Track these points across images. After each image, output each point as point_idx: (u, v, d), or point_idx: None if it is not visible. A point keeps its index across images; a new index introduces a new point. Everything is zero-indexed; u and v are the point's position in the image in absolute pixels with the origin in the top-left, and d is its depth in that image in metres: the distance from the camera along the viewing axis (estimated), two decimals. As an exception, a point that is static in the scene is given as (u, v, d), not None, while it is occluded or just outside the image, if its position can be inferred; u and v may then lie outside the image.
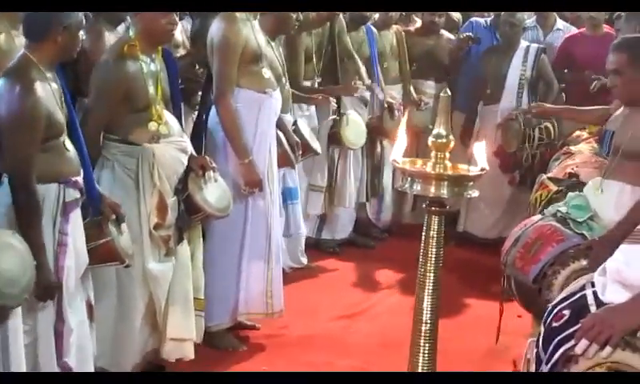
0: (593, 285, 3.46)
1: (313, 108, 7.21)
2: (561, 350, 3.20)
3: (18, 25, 4.71)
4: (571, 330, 3.15)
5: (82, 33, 4.25)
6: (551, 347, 3.25)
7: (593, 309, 3.24)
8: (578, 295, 3.46)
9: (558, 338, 3.22)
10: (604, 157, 4.88)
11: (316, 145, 6.68)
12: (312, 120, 7.09)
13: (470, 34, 8.21)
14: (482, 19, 8.49)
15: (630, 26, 5.72)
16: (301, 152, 6.41)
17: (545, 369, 3.34)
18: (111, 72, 4.78)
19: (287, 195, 6.67)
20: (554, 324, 3.33)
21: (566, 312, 3.34)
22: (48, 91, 4.11)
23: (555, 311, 3.42)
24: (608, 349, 2.83)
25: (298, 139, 6.28)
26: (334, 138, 7.18)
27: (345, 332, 6.11)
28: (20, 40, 4.61)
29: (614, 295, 3.25)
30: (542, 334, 3.53)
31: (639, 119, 4.46)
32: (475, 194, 4.42)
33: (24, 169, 4.04)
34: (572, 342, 3.08)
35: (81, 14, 4.22)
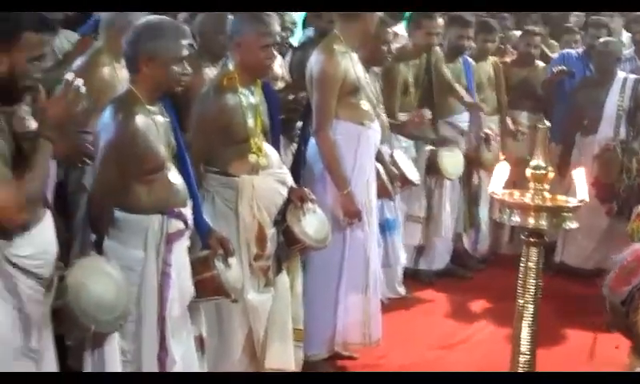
0: None
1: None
2: None
3: (120, 58, 4.74)
4: None
5: (181, 67, 4.22)
6: None
7: None
8: None
9: None
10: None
11: (414, 176, 6.64)
12: (409, 150, 7.02)
13: (563, 66, 8.10)
14: (574, 51, 8.41)
15: None
16: (400, 184, 6.41)
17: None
18: (210, 105, 4.84)
19: (386, 226, 6.65)
20: None
21: None
22: (149, 125, 4.14)
23: None
24: None
25: (396, 171, 6.26)
26: (432, 169, 7.11)
27: (442, 362, 6.06)
28: (123, 72, 4.72)
29: None
30: None
31: None
32: (574, 225, 4.45)
33: (100, 192, 4.16)
34: None
35: (173, 47, 4.22)
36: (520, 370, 4.45)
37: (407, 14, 7.34)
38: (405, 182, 6.56)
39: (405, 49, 6.94)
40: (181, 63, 4.19)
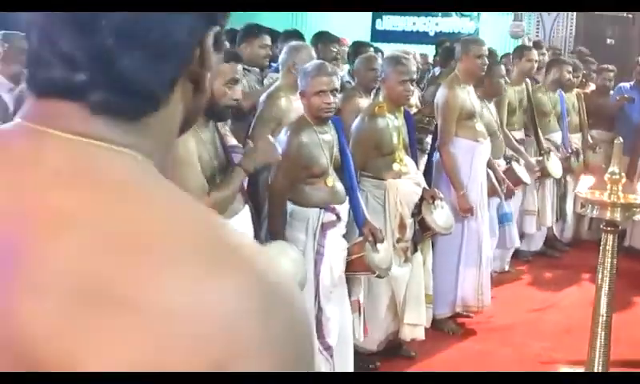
0: None
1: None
2: None
3: (295, 91, 4.83)
4: None
5: (326, 98, 4.16)
6: None
7: None
8: None
9: None
10: None
11: (526, 178, 6.64)
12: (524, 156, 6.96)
13: (625, 95, 8.02)
14: (627, 83, 8.27)
15: None
16: (513, 185, 6.44)
17: None
18: (366, 127, 4.88)
19: (504, 218, 6.63)
20: None
21: None
22: (314, 141, 4.16)
23: None
24: None
25: (503, 176, 6.25)
26: (543, 172, 7.06)
27: (538, 320, 6.06)
28: (298, 103, 4.75)
29: None
30: None
31: None
32: None
33: (278, 195, 4.17)
34: None
35: (318, 84, 4.17)
36: (599, 329, 4.47)
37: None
38: (519, 182, 6.57)
39: (510, 75, 6.88)
40: (326, 95, 4.12)
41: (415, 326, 5.09)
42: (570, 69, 7.42)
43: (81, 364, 0.74)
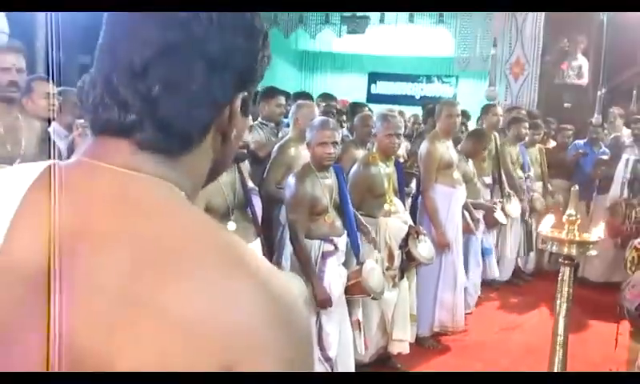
0: None
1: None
2: None
3: (302, 141, 4.84)
4: None
5: (327, 149, 4.15)
6: None
7: None
8: None
9: None
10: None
11: (502, 219, 6.65)
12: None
13: (580, 150, 8.05)
14: (582, 141, 8.32)
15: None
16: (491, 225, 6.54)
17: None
18: (361, 173, 4.87)
19: (485, 252, 6.63)
20: None
21: None
22: (316, 185, 4.14)
23: None
24: None
25: (478, 216, 6.22)
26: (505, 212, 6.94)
27: (505, 339, 6.01)
28: (305, 152, 4.80)
29: None
30: None
31: None
32: (594, 253, 4.52)
33: (294, 229, 4.14)
34: None
35: (320, 137, 4.14)
36: (557, 348, 4.45)
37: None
38: (496, 223, 6.64)
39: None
40: (328, 146, 4.12)
41: (401, 341, 5.04)
42: (527, 125, 7.39)
43: (114, 356, 0.76)
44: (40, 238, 0.80)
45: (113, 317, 0.76)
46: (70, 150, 4.19)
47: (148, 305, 0.76)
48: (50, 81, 4.19)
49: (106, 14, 0.91)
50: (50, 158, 0.91)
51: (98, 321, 0.77)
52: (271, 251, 4.32)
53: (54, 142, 4.75)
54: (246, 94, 0.92)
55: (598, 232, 4.68)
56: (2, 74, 3.42)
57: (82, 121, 4.01)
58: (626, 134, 8.05)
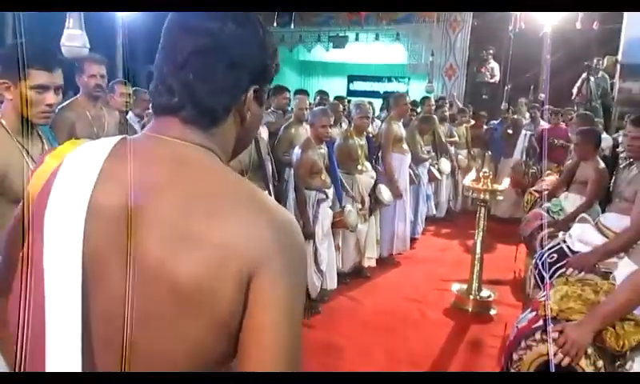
0: (564, 242, 3.27)
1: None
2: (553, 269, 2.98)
3: (300, 124, 4.81)
4: (560, 263, 2.95)
5: (325, 131, 4.16)
6: (549, 271, 3.00)
7: (570, 254, 3.00)
8: (558, 246, 3.23)
9: (554, 266, 3.00)
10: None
11: (438, 175, 6.67)
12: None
13: (493, 127, 8.03)
14: (496, 121, 8.22)
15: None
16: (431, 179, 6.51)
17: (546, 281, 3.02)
18: (342, 144, 4.84)
19: (427, 197, 6.62)
20: (549, 260, 3.10)
21: (555, 255, 3.13)
22: (315, 153, 4.12)
23: (547, 253, 3.20)
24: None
25: (419, 173, 6.22)
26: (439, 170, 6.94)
27: (441, 257, 5.92)
28: (302, 130, 4.72)
29: (580, 247, 3.09)
30: (539, 266, 3.39)
31: (584, 166, 4.31)
32: (501, 198, 4.58)
33: (298, 183, 4.13)
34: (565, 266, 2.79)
35: (322, 120, 4.13)
36: (476, 262, 4.49)
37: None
38: (434, 178, 6.60)
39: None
40: (326, 128, 4.12)
41: (370, 258, 5.12)
42: (446, 109, 7.45)
43: (173, 270, 0.76)
44: (118, 190, 0.81)
45: (173, 241, 0.77)
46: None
47: (197, 232, 0.77)
48: (126, 83, 4.17)
49: (164, 27, 0.90)
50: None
51: (162, 244, 0.77)
52: (278, 200, 4.29)
53: (130, 125, 4.75)
54: (257, 87, 0.90)
55: (504, 183, 4.73)
56: (90, 79, 3.37)
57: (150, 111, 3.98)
58: (526, 117, 8.02)
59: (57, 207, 0.81)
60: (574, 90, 8.29)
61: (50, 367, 0.78)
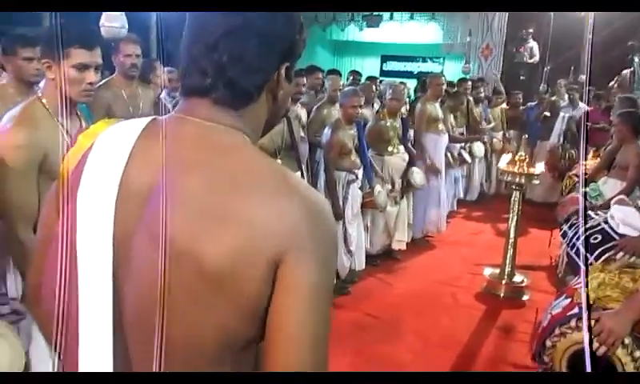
0: (606, 222, 3.18)
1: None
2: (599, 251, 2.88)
3: (332, 104, 4.74)
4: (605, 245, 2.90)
5: (356, 111, 4.12)
6: (593, 253, 2.89)
7: (616, 236, 2.94)
8: (599, 227, 3.12)
9: (600, 248, 2.91)
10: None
11: (469, 158, 6.49)
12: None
13: (530, 108, 7.81)
14: (533, 103, 7.94)
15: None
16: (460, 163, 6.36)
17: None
18: (374, 125, 4.81)
19: (456, 180, 6.48)
20: (592, 241, 3.01)
21: (599, 236, 3.03)
22: (345, 133, 4.10)
23: (589, 234, 3.08)
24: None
25: (456, 156, 6.14)
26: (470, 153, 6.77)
27: (473, 240, 5.88)
28: (334, 111, 4.64)
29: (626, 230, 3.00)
30: (577, 246, 3.31)
31: (624, 150, 4.17)
32: (537, 182, 4.56)
33: (328, 164, 4.10)
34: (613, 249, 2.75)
35: (351, 101, 4.08)
36: (509, 247, 4.43)
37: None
38: (464, 162, 6.46)
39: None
40: (356, 109, 4.09)
41: (400, 241, 5.07)
42: (482, 91, 7.25)
43: (201, 251, 0.75)
44: (149, 171, 0.81)
45: (202, 221, 0.76)
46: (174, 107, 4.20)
47: (226, 213, 0.76)
48: (162, 63, 4.20)
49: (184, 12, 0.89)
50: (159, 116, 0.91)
51: (191, 225, 0.77)
52: (310, 180, 4.29)
53: (164, 105, 4.80)
54: (287, 64, 0.88)
55: (540, 167, 4.63)
56: (126, 58, 3.41)
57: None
58: (565, 99, 7.79)
59: (89, 187, 0.82)
60: (613, 82, 8.00)
61: (83, 348, 0.79)
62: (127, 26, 4.06)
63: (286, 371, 0.75)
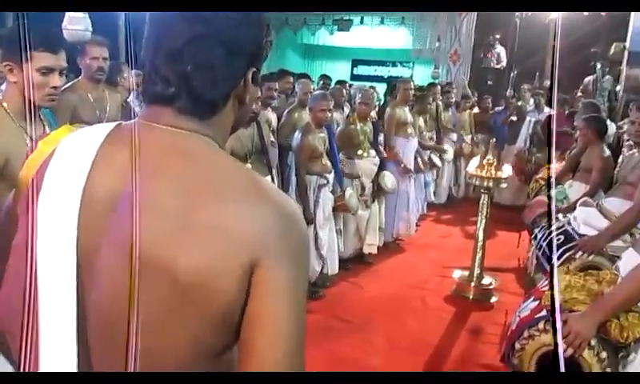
0: (569, 224, 3.29)
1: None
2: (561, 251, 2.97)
3: (302, 108, 4.72)
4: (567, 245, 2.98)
5: (324, 115, 4.10)
6: (557, 251, 3.00)
7: (576, 236, 3.05)
8: (563, 229, 3.25)
9: (561, 248, 3.00)
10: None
11: (438, 162, 6.56)
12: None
13: (497, 113, 7.94)
14: (500, 108, 8.08)
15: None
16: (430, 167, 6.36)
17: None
18: (345, 128, 4.81)
19: (426, 184, 6.53)
20: (556, 242, 3.11)
21: (562, 236, 3.14)
22: (315, 138, 4.08)
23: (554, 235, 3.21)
24: None
25: (425, 159, 6.14)
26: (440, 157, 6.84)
27: (441, 243, 5.91)
28: (305, 114, 4.57)
29: (586, 230, 3.11)
30: (543, 247, 3.40)
31: (589, 153, 4.26)
32: (504, 185, 4.56)
33: (299, 168, 4.08)
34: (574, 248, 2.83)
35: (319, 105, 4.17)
36: (478, 249, 4.46)
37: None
38: (434, 165, 6.51)
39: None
40: (325, 112, 4.07)
41: (371, 245, 5.07)
42: (452, 96, 7.33)
43: (171, 261, 0.74)
44: (112, 178, 0.79)
45: (171, 230, 0.75)
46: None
47: (196, 222, 0.75)
48: (130, 66, 4.13)
49: (147, 13, 0.86)
50: (126, 120, 0.89)
51: (159, 234, 0.75)
52: (281, 184, 4.26)
53: (133, 108, 4.72)
54: (254, 69, 0.87)
55: (507, 171, 4.69)
56: (92, 61, 3.35)
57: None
58: (530, 103, 7.94)
59: (50, 195, 0.79)
60: (579, 90, 8.20)
61: (45, 362, 0.76)
62: (91, 29, 3.94)
63: (286, 372, 0.75)
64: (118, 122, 0.87)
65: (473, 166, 4.59)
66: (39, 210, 0.79)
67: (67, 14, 4.06)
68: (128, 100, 4.41)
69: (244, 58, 0.85)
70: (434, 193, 7.03)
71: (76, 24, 4.01)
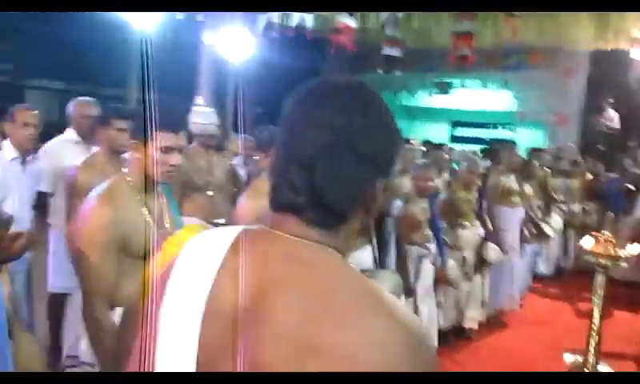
0: None
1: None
2: None
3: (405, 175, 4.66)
4: None
5: None
6: None
7: None
8: None
9: None
10: None
11: (550, 232, 6.09)
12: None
13: (611, 181, 7.32)
14: (615, 175, 7.49)
15: None
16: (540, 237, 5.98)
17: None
18: (448, 200, 4.67)
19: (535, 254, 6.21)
20: None
21: None
22: (418, 207, 3.98)
23: None
24: None
25: (534, 230, 5.79)
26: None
27: (551, 318, 5.49)
28: (405, 181, 4.53)
29: None
30: None
31: None
32: (625, 265, 4.20)
33: (400, 238, 3.94)
34: None
35: None
36: (593, 333, 4.10)
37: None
38: (542, 235, 6.05)
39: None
40: (426, 182, 4.00)
41: (473, 319, 4.83)
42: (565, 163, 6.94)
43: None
44: (235, 287, 0.78)
45: (289, 348, 0.72)
46: (248, 176, 4.25)
47: (318, 340, 0.71)
48: (238, 132, 4.30)
49: (282, 119, 0.86)
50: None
51: (278, 349, 0.72)
52: (378, 253, 4.18)
53: (239, 174, 4.85)
54: (387, 179, 0.85)
55: (634, 249, 4.32)
56: (204, 128, 3.51)
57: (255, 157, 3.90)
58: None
59: (174, 302, 0.79)
60: None
61: None
62: (218, 123, 3.80)
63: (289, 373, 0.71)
64: (243, 227, 0.86)
65: (588, 243, 4.27)
66: (162, 316, 0.79)
67: (195, 107, 4.08)
68: (233, 163, 4.59)
69: (375, 170, 0.83)
70: (541, 263, 6.63)
71: (205, 119, 3.79)
